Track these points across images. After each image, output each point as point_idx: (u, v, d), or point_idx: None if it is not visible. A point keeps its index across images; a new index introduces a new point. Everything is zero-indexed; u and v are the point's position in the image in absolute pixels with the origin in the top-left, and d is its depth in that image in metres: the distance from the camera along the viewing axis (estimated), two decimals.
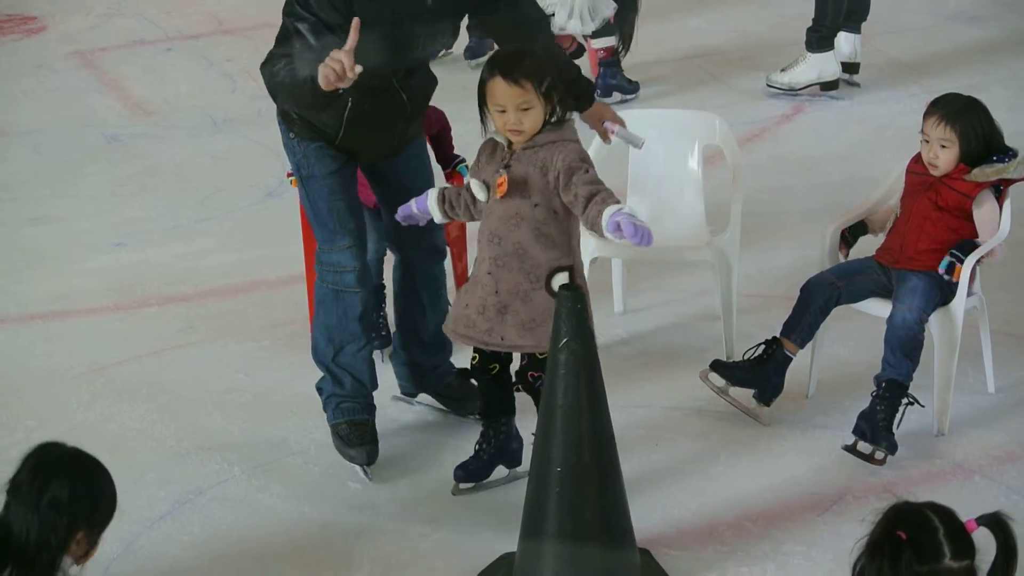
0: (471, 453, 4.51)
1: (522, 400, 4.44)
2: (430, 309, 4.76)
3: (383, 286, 5.18)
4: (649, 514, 4.31)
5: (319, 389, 4.67)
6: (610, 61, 7.53)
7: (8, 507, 3.43)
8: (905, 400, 4.56)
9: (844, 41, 7.65)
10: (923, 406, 4.63)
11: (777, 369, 4.75)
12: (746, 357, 4.80)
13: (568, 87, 4.27)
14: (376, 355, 4.96)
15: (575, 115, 4.33)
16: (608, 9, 7.14)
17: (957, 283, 4.61)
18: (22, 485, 3.42)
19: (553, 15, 6.87)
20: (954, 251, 4.62)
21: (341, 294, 4.55)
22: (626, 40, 7.40)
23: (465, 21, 4.68)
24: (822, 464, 4.61)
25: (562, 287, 3.94)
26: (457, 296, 4.41)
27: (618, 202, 3.98)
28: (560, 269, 4.20)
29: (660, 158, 5.33)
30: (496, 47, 4.61)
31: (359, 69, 3.96)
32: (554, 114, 4.16)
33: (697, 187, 5.32)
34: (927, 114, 4.72)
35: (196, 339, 5.48)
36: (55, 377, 5.23)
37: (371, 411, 4.65)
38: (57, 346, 5.47)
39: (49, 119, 7.76)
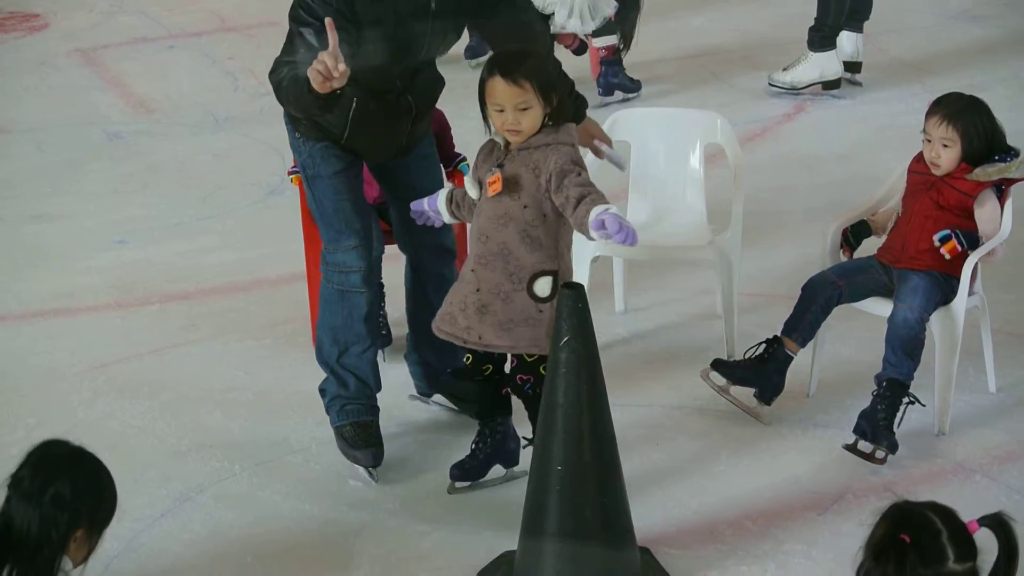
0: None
1: (520, 400, 4.43)
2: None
3: (382, 284, 5.18)
4: (650, 513, 4.31)
5: (322, 391, 4.66)
6: (612, 60, 7.53)
7: (9, 501, 3.43)
8: (906, 399, 4.56)
9: (846, 40, 7.64)
10: (924, 405, 4.63)
11: (778, 368, 4.74)
12: (747, 356, 4.79)
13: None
14: (378, 355, 4.95)
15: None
16: (609, 8, 7.12)
17: (957, 279, 4.60)
18: (24, 480, 3.43)
19: (553, 14, 6.85)
20: (957, 231, 4.60)
21: (346, 294, 4.54)
22: (627, 39, 7.40)
23: None
24: (823, 463, 4.60)
25: (564, 285, 3.93)
26: (448, 293, 4.41)
27: (607, 203, 3.97)
28: (544, 273, 4.18)
29: (661, 157, 5.34)
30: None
31: (344, 68, 3.94)
32: (552, 116, 4.16)
33: (698, 186, 5.32)
34: (929, 113, 4.72)
35: (197, 337, 5.48)
36: (56, 374, 5.23)
37: (375, 413, 4.64)
38: (58, 343, 5.47)
39: (51, 116, 7.76)
